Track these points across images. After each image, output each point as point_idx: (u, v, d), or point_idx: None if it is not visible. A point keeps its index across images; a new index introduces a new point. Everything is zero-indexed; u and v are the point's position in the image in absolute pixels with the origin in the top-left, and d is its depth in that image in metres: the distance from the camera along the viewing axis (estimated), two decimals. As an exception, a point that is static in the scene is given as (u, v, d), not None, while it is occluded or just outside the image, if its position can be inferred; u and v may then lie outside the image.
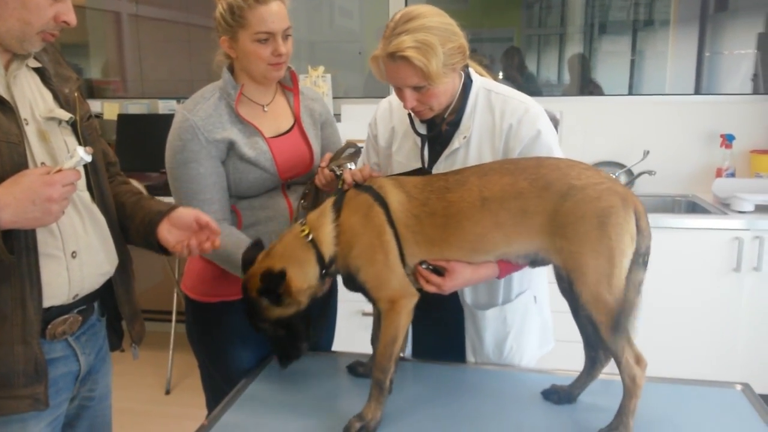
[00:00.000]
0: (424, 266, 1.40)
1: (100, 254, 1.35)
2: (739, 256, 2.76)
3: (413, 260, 1.39)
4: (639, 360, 1.29)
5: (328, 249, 1.39)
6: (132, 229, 1.45)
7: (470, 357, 1.70)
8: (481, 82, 1.58)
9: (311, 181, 1.73)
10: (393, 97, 1.64)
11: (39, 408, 1.25)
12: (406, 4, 3.50)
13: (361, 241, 1.37)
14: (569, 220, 1.28)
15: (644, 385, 1.28)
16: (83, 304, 1.34)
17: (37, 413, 1.27)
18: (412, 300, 1.39)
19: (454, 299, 1.64)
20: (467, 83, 1.56)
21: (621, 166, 3.33)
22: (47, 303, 1.25)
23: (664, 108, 3.38)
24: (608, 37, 4.21)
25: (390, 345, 1.37)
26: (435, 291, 1.40)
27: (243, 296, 1.41)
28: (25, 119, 1.23)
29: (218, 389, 1.70)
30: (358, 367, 1.64)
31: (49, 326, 1.28)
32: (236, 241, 1.61)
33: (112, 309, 1.47)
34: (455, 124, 1.57)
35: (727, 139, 3.20)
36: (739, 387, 1.54)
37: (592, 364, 1.46)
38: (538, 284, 1.71)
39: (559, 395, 1.48)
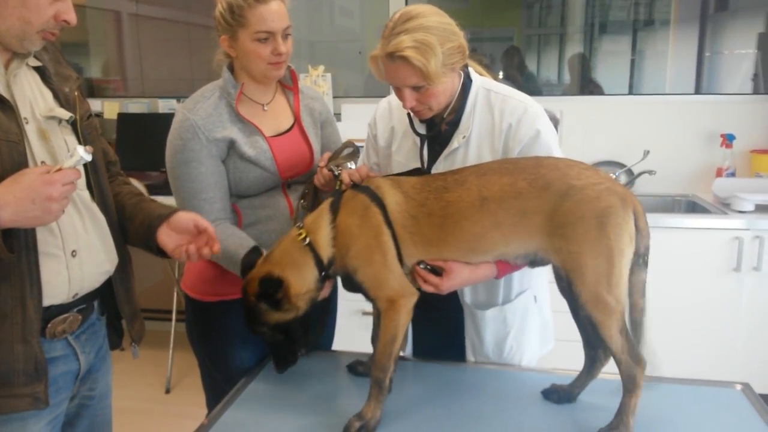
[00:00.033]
0: (422, 266, 1.39)
1: (100, 253, 1.35)
2: (739, 256, 2.76)
3: (411, 260, 1.39)
4: (639, 360, 1.29)
5: (326, 251, 1.39)
6: (131, 231, 1.46)
7: (470, 357, 1.70)
8: (481, 81, 1.58)
9: (311, 181, 1.73)
10: (392, 97, 1.63)
11: (39, 407, 1.25)
12: (406, 4, 3.50)
13: (359, 242, 1.37)
14: (568, 220, 1.28)
15: (644, 384, 1.29)
16: (83, 303, 1.35)
17: (37, 412, 1.27)
18: (411, 299, 1.39)
19: (454, 299, 1.64)
20: (467, 83, 1.55)
21: (621, 165, 3.33)
22: (47, 302, 1.25)
23: (664, 108, 3.37)
24: (608, 36, 4.21)
25: (389, 344, 1.37)
26: (433, 291, 1.40)
27: (242, 301, 1.41)
28: (25, 118, 1.23)
29: (218, 388, 1.71)
30: (358, 366, 1.64)
31: (49, 325, 1.28)
32: (238, 240, 1.61)
33: (112, 308, 1.47)
34: (454, 124, 1.56)
35: (728, 139, 3.20)
36: (739, 387, 1.54)
37: (592, 363, 1.46)
38: (538, 284, 1.71)
39: (559, 395, 1.48)
